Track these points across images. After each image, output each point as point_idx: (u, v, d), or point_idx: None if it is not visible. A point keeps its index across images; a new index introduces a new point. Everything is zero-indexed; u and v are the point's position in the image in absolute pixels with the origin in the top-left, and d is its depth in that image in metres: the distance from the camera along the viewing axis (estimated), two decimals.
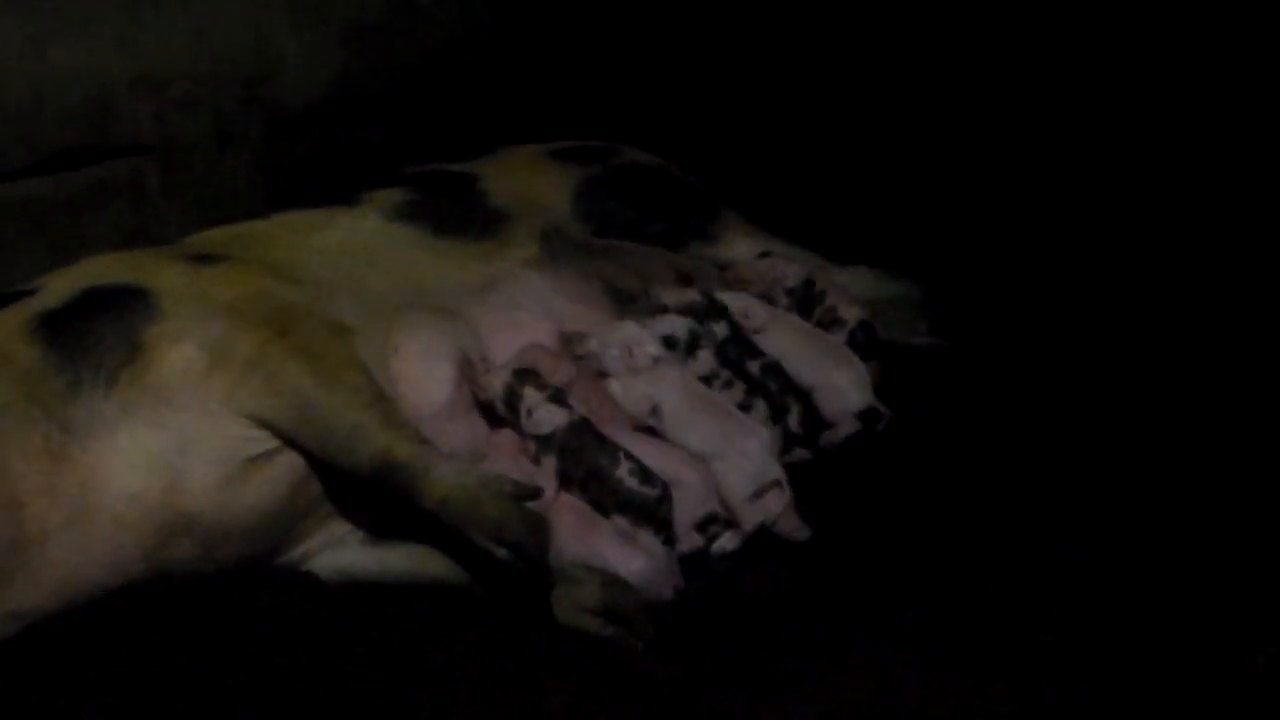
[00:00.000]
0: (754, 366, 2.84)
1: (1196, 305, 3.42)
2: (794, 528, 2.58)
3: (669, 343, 2.78)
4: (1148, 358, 3.19)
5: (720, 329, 2.86)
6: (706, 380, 2.78)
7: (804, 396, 2.84)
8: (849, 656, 2.22)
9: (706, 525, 2.53)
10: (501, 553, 2.27)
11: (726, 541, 2.55)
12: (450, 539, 2.35)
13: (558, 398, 2.54)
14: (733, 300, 2.95)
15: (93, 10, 3.08)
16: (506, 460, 2.52)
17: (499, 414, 2.57)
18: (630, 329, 2.74)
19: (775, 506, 2.57)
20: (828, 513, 2.65)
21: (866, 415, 2.86)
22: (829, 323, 3.03)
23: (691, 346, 2.79)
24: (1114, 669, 2.17)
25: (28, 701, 2.10)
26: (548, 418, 2.51)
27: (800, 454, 2.80)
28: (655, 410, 2.66)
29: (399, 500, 2.29)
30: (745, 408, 2.77)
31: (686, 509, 2.50)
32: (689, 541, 2.51)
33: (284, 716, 2.08)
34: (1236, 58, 4.33)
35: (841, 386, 2.87)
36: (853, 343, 2.98)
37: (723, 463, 2.58)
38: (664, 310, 2.85)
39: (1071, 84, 4.50)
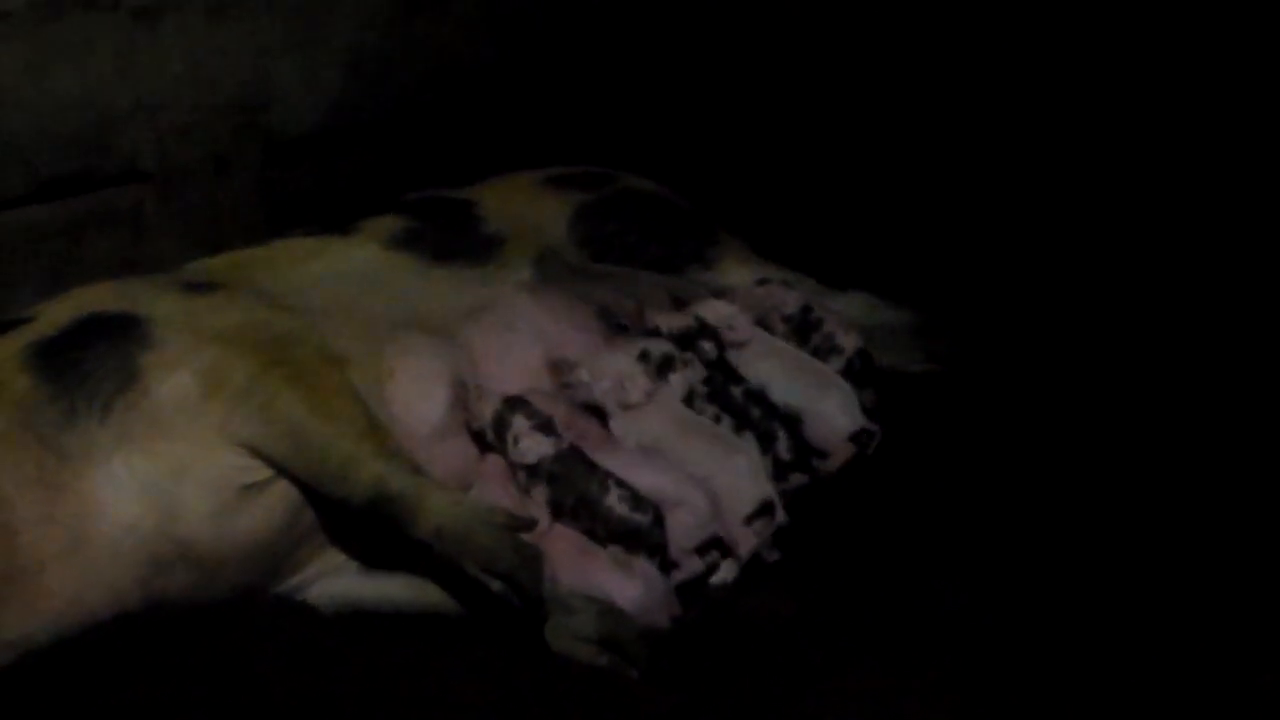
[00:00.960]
0: (736, 392, 2.83)
1: (1196, 330, 3.42)
2: (767, 548, 2.59)
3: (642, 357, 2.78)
4: (1146, 382, 3.19)
5: (709, 349, 2.86)
6: (686, 401, 2.78)
7: (790, 422, 2.83)
8: (846, 682, 2.22)
9: (706, 550, 2.53)
10: (495, 584, 2.27)
11: (725, 572, 2.56)
12: (445, 569, 2.36)
13: (545, 427, 2.54)
14: (717, 310, 2.95)
15: (91, 38, 3.09)
16: (495, 488, 2.52)
17: (488, 441, 2.57)
18: (622, 362, 2.73)
19: (767, 530, 2.57)
20: (825, 538, 2.65)
21: (858, 437, 2.86)
22: (826, 350, 3.02)
23: (664, 368, 2.79)
24: (1116, 692, 2.17)
25: None
26: (534, 447, 2.52)
27: (797, 479, 2.79)
28: (645, 445, 2.66)
29: (393, 530, 2.29)
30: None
31: (688, 532, 2.50)
32: (689, 567, 2.51)
33: None
34: (1236, 72, 4.35)
35: (829, 412, 2.86)
36: (850, 370, 2.98)
37: (715, 484, 2.58)
38: (656, 333, 2.85)
39: (1068, 110, 4.51)
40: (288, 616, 2.41)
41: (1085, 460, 2.89)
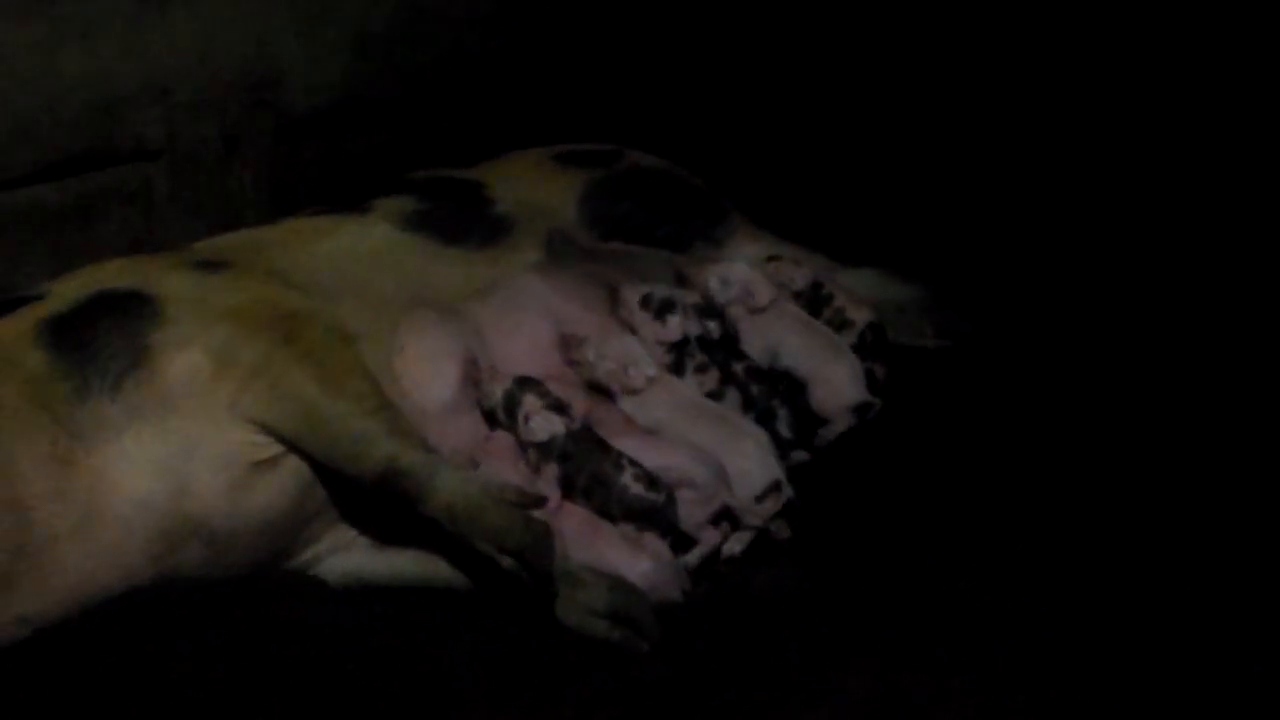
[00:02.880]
0: (739, 369, 2.83)
1: (1201, 307, 3.41)
2: (779, 525, 2.58)
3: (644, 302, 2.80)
4: (1153, 360, 3.19)
5: (713, 328, 2.86)
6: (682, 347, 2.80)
7: (791, 398, 2.83)
8: (855, 659, 2.22)
9: (719, 521, 2.53)
10: (505, 560, 2.28)
11: (733, 545, 2.56)
12: (455, 545, 2.36)
13: (556, 406, 2.54)
14: (738, 273, 2.96)
15: (100, 17, 3.09)
16: (505, 465, 2.52)
17: (498, 420, 2.58)
18: (630, 345, 2.73)
19: (774, 507, 2.57)
20: (832, 515, 2.65)
21: (860, 409, 2.86)
22: (838, 325, 3.02)
23: (664, 310, 2.80)
24: (1116, 671, 2.17)
25: (37, 705, 2.10)
26: (544, 425, 2.52)
27: (798, 456, 2.79)
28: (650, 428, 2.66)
29: (403, 507, 2.30)
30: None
31: (697, 508, 2.50)
32: (705, 540, 2.51)
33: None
34: (1236, 57, 4.33)
35: (837, 380, 2.86)
36: (862, 344, 2.98)
37: (723, 466, 2.58)
38: (669, 308, 2.83)
39: (1077, 87, 4.50)
40: (299, 592, 2.41)
41: (1094, 437, 2.89)
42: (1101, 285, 3.55)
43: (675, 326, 2.79)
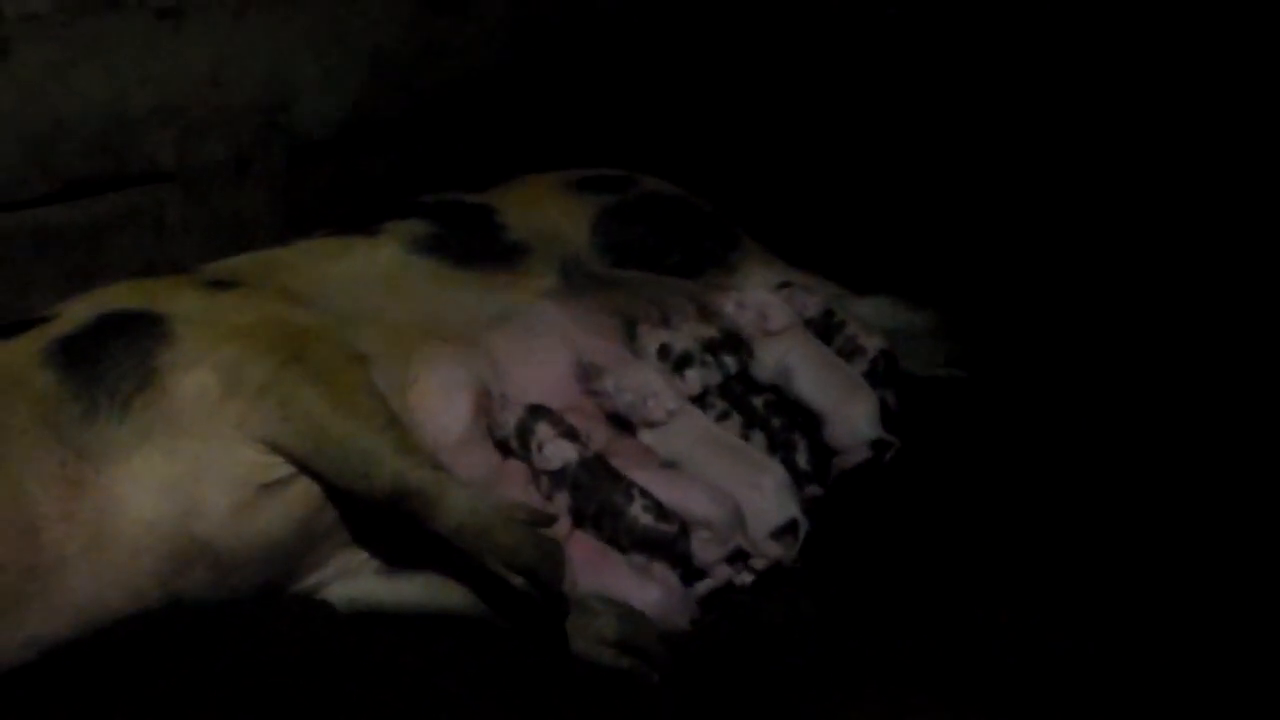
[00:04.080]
0: (758, 402, 2.83)
1: (1217, 336, 3.40)
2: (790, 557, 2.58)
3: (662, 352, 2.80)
4: (1167, 386, 3.18)
5: (731, 363, 2.85)
6: (701, 398, 2.78)
7: (810, 430, 2.82)
8: (864, 687, 2.22)
9: (734, 560, 2.53)
10: (516, 579, 2.26)
11: (744, 574, 2.55)
12: (465, 567, 2.35)
13: (570, 434, 2.53)
14: (753, 298, 2.96)
15: (113, 39, 3.10)
16: (516, 493, 2.51)
17: (512, 448, 2.57)
18: (651, 378, 2.72)
19: (791, 545, 2.55)
20: (845, 541, 2.64)
21: (876, 444, 2.85)
22: (849, 352, 3.02)
23: (682, 364, 2.79)
24: (1129, 701, 2.17)
25: None
26: (558, 452, 2.51)
27: (812, 490, 2.78)
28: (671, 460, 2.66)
29: (413, 526, 2.29)
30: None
31: (714, 547, 2.50)
32: (717, 574, 2.51)
33: None
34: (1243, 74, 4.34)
35: (854, 417, 2.85)
36: (873, 372, 2.97)
37: (740, 502, 2.56)
38: (687, 362, 2.82)
39: (1091, 114, 4.50)
40: (306, 616, 2.40)
41: (1103, 467, 2.88)
42: (1115, 313, 3.54)
43: (694, 380, 2.79)
